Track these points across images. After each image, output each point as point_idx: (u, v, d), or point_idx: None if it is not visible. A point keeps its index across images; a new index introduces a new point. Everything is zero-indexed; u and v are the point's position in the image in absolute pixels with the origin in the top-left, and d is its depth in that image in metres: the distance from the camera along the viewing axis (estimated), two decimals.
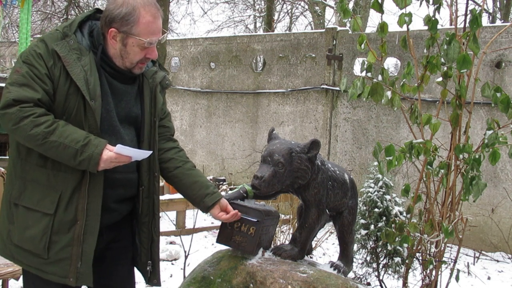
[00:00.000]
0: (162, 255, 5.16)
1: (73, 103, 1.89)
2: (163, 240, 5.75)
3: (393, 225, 2.92)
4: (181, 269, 4.44)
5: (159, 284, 2.20)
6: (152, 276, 2.18)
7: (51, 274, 1.92)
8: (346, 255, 2.37)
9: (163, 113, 2.24)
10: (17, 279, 3.00)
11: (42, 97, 1.84)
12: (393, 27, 3.24)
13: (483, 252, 6.13)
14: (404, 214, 3.51)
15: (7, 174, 2.05)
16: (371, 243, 3.70)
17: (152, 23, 1.94)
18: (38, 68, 1.86)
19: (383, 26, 2.63)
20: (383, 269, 3.68)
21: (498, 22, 12.84)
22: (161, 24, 1.99)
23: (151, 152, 2.00)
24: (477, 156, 2.52)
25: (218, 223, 2.23)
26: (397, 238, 2.78)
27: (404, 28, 2.66)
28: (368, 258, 3.75)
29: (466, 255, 5.84)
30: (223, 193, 2.23)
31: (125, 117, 2.05)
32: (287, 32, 14.79)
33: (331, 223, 2.43)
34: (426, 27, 2.63)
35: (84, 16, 2.03)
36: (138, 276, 2.27)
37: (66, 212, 1.90)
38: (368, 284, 3.78)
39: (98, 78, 1.93)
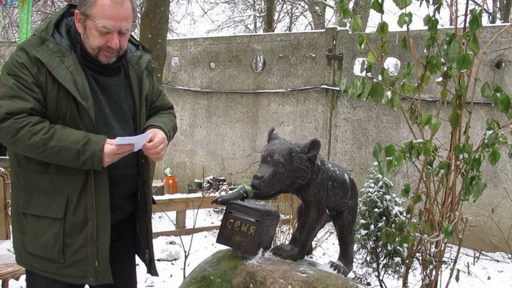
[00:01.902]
0: (162, 255, 5.15)
1: (65, 106, 1.88)
2: (163, 240, 5.74)
3: (393, 225, 2.92)
4: (181, 269, 4.43)
5: (156, 274, 2.23)
6: (150, 266, 2.20)
7: (70, 276, 1.93)
8: (346, 255, 2.37)
9: (155, 96, 2.24)
10: (17, 279, 2.99)
11: (34, 106, 1.83)
12: (393, 27, 3.24)
13: (483, 252, 6.13)
14: (404, 214, 3.51)
15: (11, 185, 2.04)
16: (371, 243, 3.70)
17: (110, 7, 1.88)
18: (24, 78, 1.84)
19: (383, 26, 2.63)
20: (383, 269, 3.68)
21: (498, 22, 12.84)
22: (124, 13, 1.92)
23: (150, 135, 2.00)
24: (477, 156, 2.52)
25: (218, 223, 2.23)
26: (397, 238, 2.78)
27: (404, 28, 2.66)
28: (368, 258, 3.75)
29: (466, 255, 5.84)
30: (223, 193, 2.22)
31: (119, 110, 2.04)
32: (287, 32, 14.79)
33: (331, 223, 2.43)
34: (426, 27, 2.63)
35: (59, 15, 2.00)
36: (139, 276, 2.28)
37: (75, 214, 1.90)
38: (368, 284, 3.78)
39: (85, 77, 1.92)
